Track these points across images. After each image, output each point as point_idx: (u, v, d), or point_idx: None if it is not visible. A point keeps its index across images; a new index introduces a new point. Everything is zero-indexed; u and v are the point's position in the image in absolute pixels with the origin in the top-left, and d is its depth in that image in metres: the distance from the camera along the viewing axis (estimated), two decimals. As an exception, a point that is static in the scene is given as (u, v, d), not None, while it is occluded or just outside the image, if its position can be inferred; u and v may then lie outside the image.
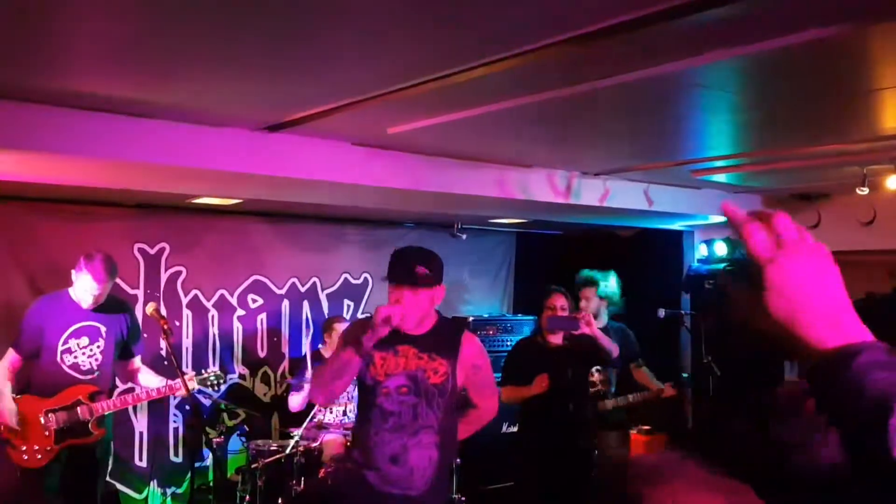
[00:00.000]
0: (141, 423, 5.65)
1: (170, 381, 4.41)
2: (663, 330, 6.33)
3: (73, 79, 2.97)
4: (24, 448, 4.13)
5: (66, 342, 4.24)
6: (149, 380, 4.54)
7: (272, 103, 3.40)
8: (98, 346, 4.30)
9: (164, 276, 5.75)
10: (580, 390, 4.72)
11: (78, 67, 2.85)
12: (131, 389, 4.77)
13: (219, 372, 4.62)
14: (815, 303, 0.90)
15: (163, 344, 5.58)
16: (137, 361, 4.57)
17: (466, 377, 3.15)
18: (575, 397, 4.58)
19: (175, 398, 5.64)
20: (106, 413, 4.28)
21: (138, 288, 5.64)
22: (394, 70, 2.85)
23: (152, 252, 5.70)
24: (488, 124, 3.65)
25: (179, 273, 5.80)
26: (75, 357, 4.25)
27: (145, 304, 5.42)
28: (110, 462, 5.41)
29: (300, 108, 3.46)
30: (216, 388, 4.62)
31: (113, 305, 4.40)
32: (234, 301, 6.05)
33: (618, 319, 5.49)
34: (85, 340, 4.28)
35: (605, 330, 4.90)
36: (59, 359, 4.21)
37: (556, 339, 4.68)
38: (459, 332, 3.20)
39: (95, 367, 4.29)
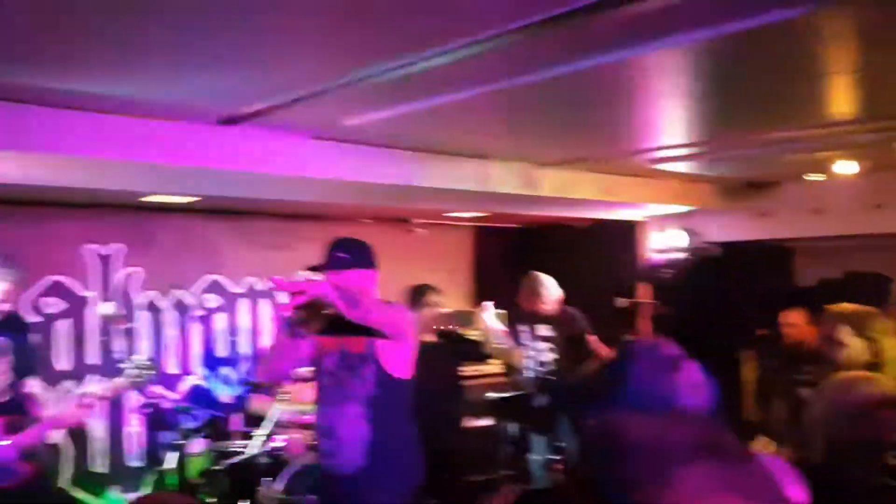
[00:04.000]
0: (98, 428, 5.51)
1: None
2: (621, 319, 6.41)
3: (18, 72, 2.88)
4: None
5: None
6: (43, 405, 4.01)
7: (226, 96, 3.34)
8: (3, 365, 3.81)
9: (118, 278, 5.62)
10: (455, 384, 5.07)
11: (23, 59, 2.76)
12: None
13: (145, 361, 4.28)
14: None
15: (117, 346, 5.49)
16: (33, 384, 4.04)
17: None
18: (453, 392, 4.96)
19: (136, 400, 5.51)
20: (31, 443, 3.74)
21: (92, 290, 5.50)
22: (348, 61, 2.83)
23: (106, 253, 5.58)
24: (445, 115, 3.64)
25: (135, 274, 5.68)
26: None
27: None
28: (66, 470, 5.31)
29: (255, 102, 3.41)
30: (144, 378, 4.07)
31: (14, 321, 3.96)
32: (191, 301, 5.95)
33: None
34: None
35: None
36: None
37: (430, 334, 4.91)
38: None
39: (7, 388, 3.80)
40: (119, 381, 4.03)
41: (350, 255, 3.13)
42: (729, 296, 6.33)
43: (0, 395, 3.80)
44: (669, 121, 4.09)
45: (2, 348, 3.84)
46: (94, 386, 4.03)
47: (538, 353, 5.63)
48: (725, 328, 6.21)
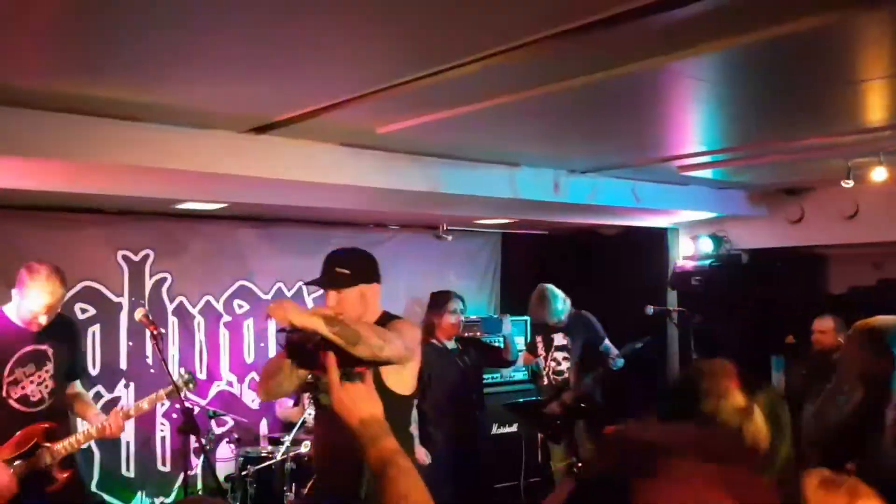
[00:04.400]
0: (127, 433, 5.56)
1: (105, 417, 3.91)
2: (651, 326, 6.35)
3: (53, 80, 2.92)
4: None
5: (11, 373, 3.70)
6: (84, 408, 4.05)
7: (259, 104, 3.36)
8: (47, 371, 3.82)
9: (148, 283, 5.68)
10: (478, 388, 5.04)
11: (58, 68, 2.80)
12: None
13: (186, 374, 4.27)
14: None
15: (149, 351, 5.55)
16: (77, 385, 4.12)
17: None
18: (475, 398, 4.94)
19: (162, 405, 5.57)
20: (72, 452, 3.82)
21: (122, 295, 5.56)
22: (381, 68, 2.83)
23: (136, 259, 5.64)
24: (476, 122, 3.64)
25: (164, 280, 5.73)
26: (23, 388, 3.73)
27: (131, 311, 5.36)
28: (95, 474, 5.37)
29: (286, 110, 3.43)
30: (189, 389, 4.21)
31: (60, 326, 3.93)
32: (220, 307, 5.99)
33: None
34: (31, 367, 3.77)
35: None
36: (4, 393, 3.68)
37: (452, 341, 4.95)
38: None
39: (46, 396, 3.80)
40: (160, 393, 4.05)
41: (351, 270, 2.93)
42: (759, 303, 6.26)
43: (41, 402, 3.82)
44: (701, 127, 4.06)
45: (45, 356, 3.85)
46: (139, 401, 4.05)
47: (555, 362, 5.62)
48: (755, 335, 6.14)
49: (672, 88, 3.26)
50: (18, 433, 3.69)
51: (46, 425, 3.77)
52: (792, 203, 6.26)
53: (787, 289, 6.38)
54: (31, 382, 3.78)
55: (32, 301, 3.69)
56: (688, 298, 6.46)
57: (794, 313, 5.79)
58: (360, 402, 1.70)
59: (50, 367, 3.85)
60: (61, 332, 3.94)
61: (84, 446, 3.97)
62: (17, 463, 3.65)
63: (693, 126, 4.02)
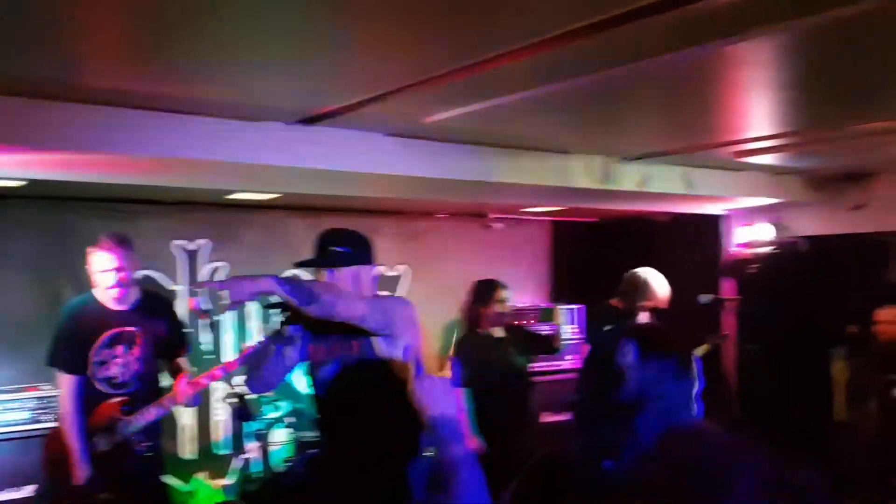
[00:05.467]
0: (185, 415, 5.71)
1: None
2: (705, 316, 6.25)
3: (109, 76, 2.99)
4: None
5: (98, 353, 3.78)
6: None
7: (307, 95, 3.39)
8: (133, 354, 3.85)
9: (204, 272, 5.80)
10: (526, 380, 4.94)
11: (114, 64, 2.86)
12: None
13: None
14: None
15: (203, 339, 5.66)
16: (183, 362, 4.10)
17: None
18: (524, 387, 4.86)
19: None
20: (148, 422, 3.83)
21: (180, 284, 5.70)
22: (428, 59, 2.82)
23: (193, 248, 5.77)
24: (525, 110, 3.60)
25: (220, 269, 5.85)
26: (108, 369, 3.80)
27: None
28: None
29: (335, 101, 3.45)
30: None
31: (150, 304, 3.95)
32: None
33: None
34: (119, 348, 3.83)
35: None
36: (90, 372, 3.77)
37: (499, 330, 4.85)
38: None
39: (131, 379, 3.85)
40: (216, 372, 4.00)
41: (350, 249, 2.80)
42: (818, 292, 6.09)
43: (124, 384, 3.82)
44: (758, 112, 3.94)
45: (133, 337, 3.82)
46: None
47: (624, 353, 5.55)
48: (814, 326, 5.99)
49: (729, 73, 3.17)
50: (96, 410, 3.76)
51: (119, 400, 3.79)
52: (853, 189, 6.06)
53: (847, 277, 6.19)
54: (116, 364, 3.81)
55: (99, 275, 3.70)
56: (742, 287, 6.32)
57: (855, 303, 5.62)
58: (434, 399, 1.64)
59: (137, 350, 3.84)
60: (150, 310, 3.90)
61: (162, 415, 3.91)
62: (98, 437, 3.73)
63: (750, 111, 3.91)
